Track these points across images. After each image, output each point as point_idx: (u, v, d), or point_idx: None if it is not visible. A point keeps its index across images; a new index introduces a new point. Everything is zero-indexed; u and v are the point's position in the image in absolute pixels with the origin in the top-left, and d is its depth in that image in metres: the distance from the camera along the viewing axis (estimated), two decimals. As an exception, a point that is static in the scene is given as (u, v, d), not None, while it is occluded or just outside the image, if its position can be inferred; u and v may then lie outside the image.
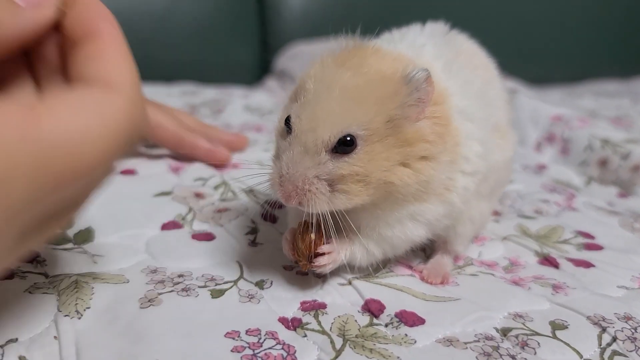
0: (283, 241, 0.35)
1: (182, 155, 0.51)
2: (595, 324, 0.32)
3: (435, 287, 0.36)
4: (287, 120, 0.32)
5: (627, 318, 0.33)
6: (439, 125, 0.32)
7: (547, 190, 0.52)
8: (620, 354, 0.30)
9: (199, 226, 0.40)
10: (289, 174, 0.31)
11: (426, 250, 0.40)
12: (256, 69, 1.03)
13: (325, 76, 0.31)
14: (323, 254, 0.33)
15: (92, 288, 0.32)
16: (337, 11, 1.04)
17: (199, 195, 0.44)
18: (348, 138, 0.30)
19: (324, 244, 0.33)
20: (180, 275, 0.34)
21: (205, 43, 0.97)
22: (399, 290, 0.35)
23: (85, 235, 0.37)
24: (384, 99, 0.30)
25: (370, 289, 0.34)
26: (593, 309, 0.34)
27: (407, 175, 0.31)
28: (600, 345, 0.31)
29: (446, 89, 0.34)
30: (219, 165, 0.50)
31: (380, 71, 0.31)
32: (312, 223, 0.32)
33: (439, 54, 0.37)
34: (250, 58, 1.02)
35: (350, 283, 0.35)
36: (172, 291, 0.32)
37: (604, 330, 0.32)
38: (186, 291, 0.32)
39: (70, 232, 0.38)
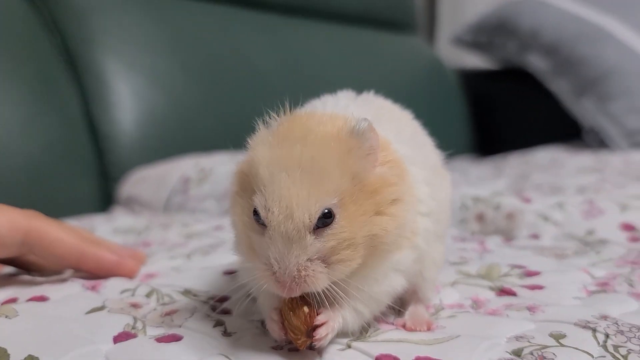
0: (269, 323, 0.33)
1: (89, 274, 0.45)
2: (584, 327, 0.34)
3: (429, 333, 0.35)
4: (255, 213, 0.31)
5: (604, 317, 0.35)
6: (395, 167, 0.33)
7: (458, 240, 0.55)
8: (620, 346, 0.32)
9: (154, 331, 0.36)
10: (282, 269, 0.29)
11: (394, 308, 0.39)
12: (98, 200, 0.97)
13: (275, 157, 0.31)
14: (321, 324, 0.31)
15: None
16: (175, 132, 1.03)
17: (135, 305, 0.39)
18: (326, 211, 0.30)
19: (317, 315, 0.31)
20: (172, 375, 0.29)
21: (41, 182, 0.89)
22: (398, 342, 0.34)
23: (29, 365, 0.31)
24: (342, 159, 0.31)
25: (373, 347, 0.33)
26: (573, 316, 0.36)
27: (385, 222, 0.31)
28: (599, 343, 0.33)
29: (385, 137, 0.35)
30: (127, 277, 0.45)
31: (325, 134, 0.31)
32: (303, 296, 0.31)
33: (364, 111, 0.38)
34: (91, 190, 0.96)
35: (349, 346, 0.33)
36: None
37: (594, 330, 0.34)
38: (195, 385, 0.28)
39: (9, 366, 0.31)
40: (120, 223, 0.72)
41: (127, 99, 1.00)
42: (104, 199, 0.97)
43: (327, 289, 0.31)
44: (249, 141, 0.34)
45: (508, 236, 0.61)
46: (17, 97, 0.90)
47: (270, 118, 0.34)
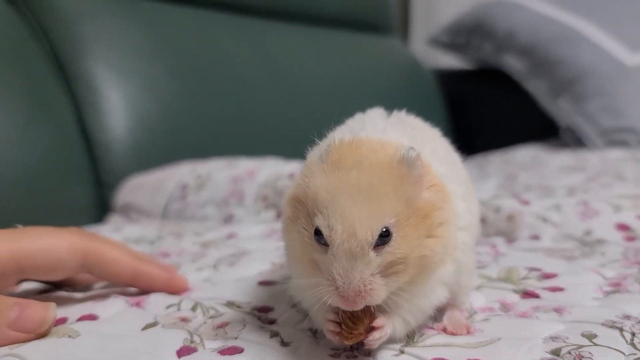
0: (326, 324, 0.35)
1: (136, 289, 0.47)
2: (611, 327, 0.37)
3: (470, 336, 0.38)
4: (317, 233, 0.33)
5: (627, 317, 0.39)
6: (439, 191, 0.36)
7: (471, 245, 0.58)
8: (647, 344, 0.36)
9: (212, 344, 0.37)
10: (346, 283, 0.32)
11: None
12: (94, 209, 0.97)
13: (334, 182, 0.33)
14: (378, 328, 0.34)
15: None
16: (167, 138, 1.04)
17: (185, 320, 0.41)
18: (384, 230, 0.32)
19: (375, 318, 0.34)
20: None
21: (36, 192, 0.90)
22: (445, 346, 0.36)
23: (107, 382, 0.33)
24: (395, 185, 0.33)
25: (424, 352, 0.36)
26: (598, 316, 0.39)
27: (434, 244, 0.34)
28: (628, 342, 0.36)
29: (425, 160, 0.37)
30: (177, 293, 0.47)
31: (379, 162, 0.34)
32: None
33: (400, 132, 0.40)
34: (86, 199, 0.96)
35: (402, 352, 0.36)
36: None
37: (621, 330, 0.37)
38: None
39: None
40: (129, 233, 0.73)
41: (118, 105, 1.01)
42: (100, 207, 0.97)
43: (383, 300, 0.33)
44: (302, 169, 0.36)
45: (509, 238, 0.65)
46: (9, 106, 0.89)
47: (317, 145, 0.37)
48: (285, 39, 1.31)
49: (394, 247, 0.32)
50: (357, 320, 0.34)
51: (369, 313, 0.34)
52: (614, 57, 1.22)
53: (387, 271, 0.33)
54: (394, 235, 0.32)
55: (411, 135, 0.40)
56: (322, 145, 0.38)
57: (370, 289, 0.32)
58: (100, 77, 1.00)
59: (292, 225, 0.35)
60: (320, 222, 0.33)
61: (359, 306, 0.32)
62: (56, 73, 0.98)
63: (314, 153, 0.38)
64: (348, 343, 0.34)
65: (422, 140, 0.41)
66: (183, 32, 1.13)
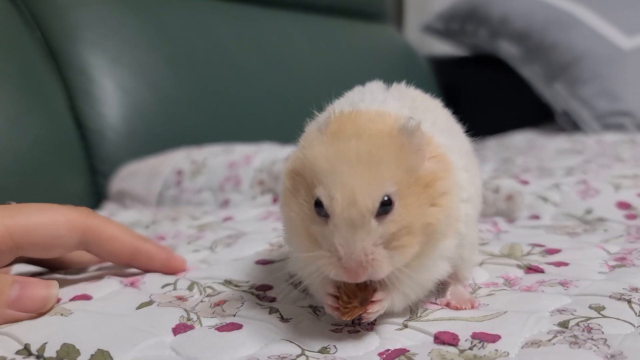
0: (325, 299, 0.34)
1: (131, 271, 0.45)
2: (619, 299, 0.37)
3: (475, 311, 0.37)
4: (317, 205, 0.32)
5: (634, 289, 0.38)
6: (441, 161, 0.35)
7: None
8: (656, 315, 0.35)
9: (210, 322, 0.36)
10: (347, 253, 0.31)
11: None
12: (88, 196, 0.95)
13: (333, 152, 0.32)
14: (376, 301, 0.33)
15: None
16: (161, 126, 1.03)
17: (181, 298, 0.40)
18: (386, 198, 0.31)
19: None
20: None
21: (30, 180, 0.88)
22: (450, 320, 0.35)
23: (101, 358, 0.32)
24: (396, 153, 0.32)
25: (429, 326, 0.35)
26: (605, 289, 0.38)
27: (437, 213, 0.33)
28: (637, 314, 0.35)
29: (427, 132, 0.37)
30: (174, 273, 0.45)
31: (379, 131, 0.33)
32: None
33: (400, 104, 0.39)
34: (80, 187, 0.95)
35: (406, 326, 0.35)
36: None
37: (629, 302, 0.36)
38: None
39: (81, 361, 0.31)
40: (123, 218, 0.72)
41: (112, 93, 0.99)
42: (94, 195, 0.96)
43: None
44: (300, 141, 0.35)
45: (509, 218, 0.64)
46: (1, 95, 0.88)
47: (316, 117, 0.36)
48: (280, 27, 1.30)
49: (397, 215, 0.31)
50: (352, 294, 0.33)
51: (367, 287, 0.33)
52: (609, 41, 1.21)
53: (391, 244, 0.31)
54: (395, 203, 0.31)
55: (412, 107, 0.39)
56: (320, 118, 0.37)
57: (372, 259, 0.31)
58: (93, 64, 0.99)
59: (291, 198, 0.34)
60: (320, 192, 0.32)
61: (361, 278, 0.31)
62: (49, 61, 0.97)
63: (312, 125, 0.37)
64: (345, 318, 0.33)
65: (424, 111, 0.40)
66: (177, 19, 1.12)
